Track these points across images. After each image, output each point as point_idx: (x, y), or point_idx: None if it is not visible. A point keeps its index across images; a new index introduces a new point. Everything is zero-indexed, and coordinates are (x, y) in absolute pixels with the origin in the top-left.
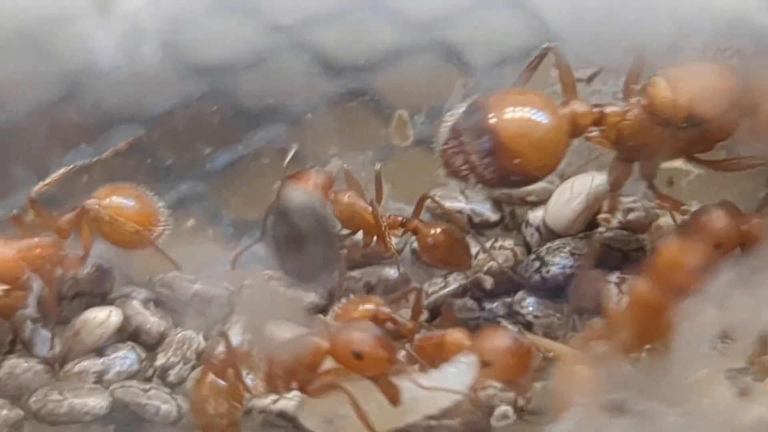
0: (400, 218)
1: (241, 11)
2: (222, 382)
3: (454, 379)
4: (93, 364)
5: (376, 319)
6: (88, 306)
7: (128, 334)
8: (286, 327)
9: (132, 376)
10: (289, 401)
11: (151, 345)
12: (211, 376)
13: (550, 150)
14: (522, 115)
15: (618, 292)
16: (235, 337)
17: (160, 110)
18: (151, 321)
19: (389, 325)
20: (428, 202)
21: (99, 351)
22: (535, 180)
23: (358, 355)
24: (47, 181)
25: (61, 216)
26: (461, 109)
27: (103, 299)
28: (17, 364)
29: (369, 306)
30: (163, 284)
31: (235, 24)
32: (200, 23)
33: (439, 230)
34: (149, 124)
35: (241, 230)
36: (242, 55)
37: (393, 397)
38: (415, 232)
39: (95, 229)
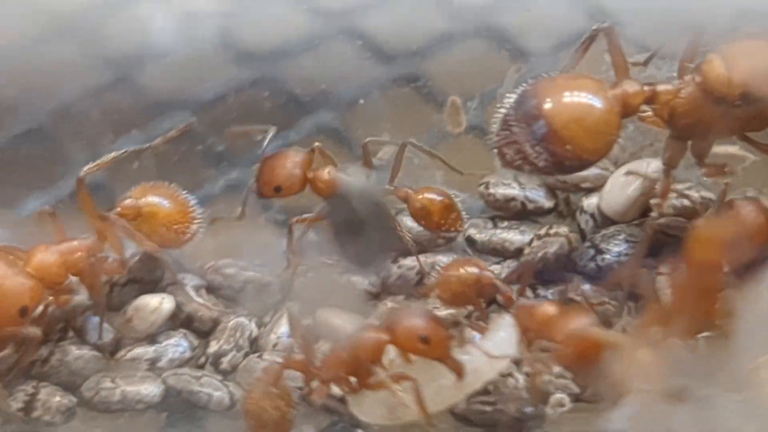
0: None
1: None
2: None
3: (506, 343)
4: (145, 351)
5: (479, 282)
6: (139, 293)
7: (180, 321)
8: (340, 314)
9: (184, 363)
10: None
11: (204, 332)
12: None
13: (603, 133)
14: (572, 99)
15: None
16: (284, 327)
17: (212, 96)
18: (202, 308)
19: (489, 289)
20: (481, 188)
21: (151, 338)
22: (590, 164)
23: (425, 340)
24: (96, 162)
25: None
26: (512, 98)
27: (154, 286)
28: (69, 351)
29: (473, 269)
30: (215, 271)
31: (288, 9)
32: (254, 8)
33: (426, 195)
34: (201, 109)
35: (292, 217)
36: (295, 40)
37: (459, 371)
38: (404, 199)
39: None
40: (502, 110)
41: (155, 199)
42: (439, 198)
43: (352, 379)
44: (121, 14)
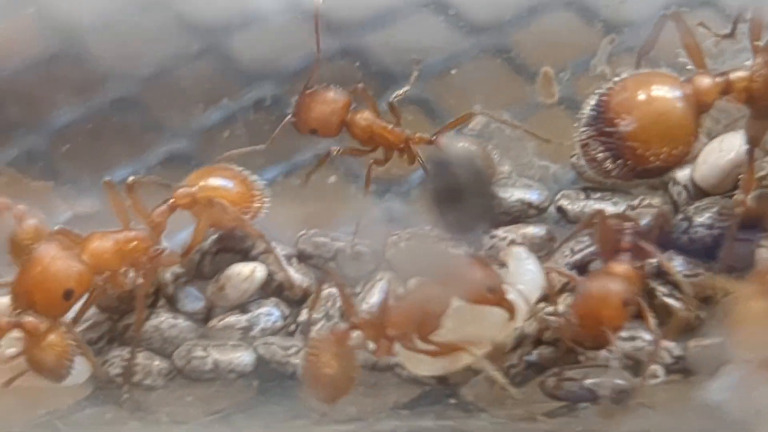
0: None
1: None
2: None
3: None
4: (238, 320)
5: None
6: (231, 262)
7: (271, 290)
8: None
9: (276, 332)
10: None
11: (295, 301)
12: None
13: (682, 135)
14: (647, 108)
15: None
16: (378, 294)
17: (302, 65)
18: (295, 277)
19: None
20: (573, 159)
21: (243, 307)
22: (673, 167)
23: (492, 289)
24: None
25: (154, 209)
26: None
27: (245, 255)
28: (163, 319)
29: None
30: (306, 241)
31: None
32: None
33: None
34: (291, 79)
35: (382, 186)
36: (386, 10)
37: (512, 310)
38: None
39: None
40: (583, 118)
41: (215, 182)
42: None
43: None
44: None
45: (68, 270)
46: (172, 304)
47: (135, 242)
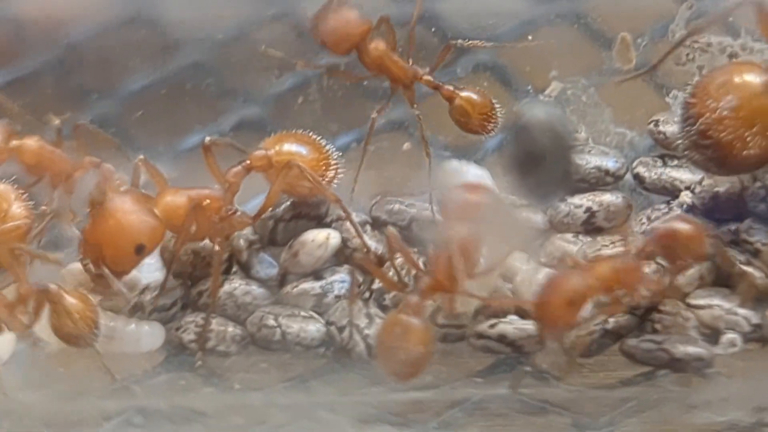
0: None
1: None
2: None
3: None
4: (311, 287)
5: None
6: (304, 228)
7: (345, 257)
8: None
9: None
10: (508, 325)
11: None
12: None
13: None
14: (737, 102)
15: None
16: None
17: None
18: (370, 244)
19: None
20: (651, 126)
21: (316, 274)
22: None
23: None
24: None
25: (229, 170)
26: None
27: (319, 222)
28: (237, 285)
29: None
30: (379, 208)
31: None
32: None
33: (468, 93)
34: None
35: (456, 154)
36: None
37: None
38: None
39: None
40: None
41: (291, 148)
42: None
43: None
44: None
45: (141, 224)
46: (246, 271)
47: (208, 200)
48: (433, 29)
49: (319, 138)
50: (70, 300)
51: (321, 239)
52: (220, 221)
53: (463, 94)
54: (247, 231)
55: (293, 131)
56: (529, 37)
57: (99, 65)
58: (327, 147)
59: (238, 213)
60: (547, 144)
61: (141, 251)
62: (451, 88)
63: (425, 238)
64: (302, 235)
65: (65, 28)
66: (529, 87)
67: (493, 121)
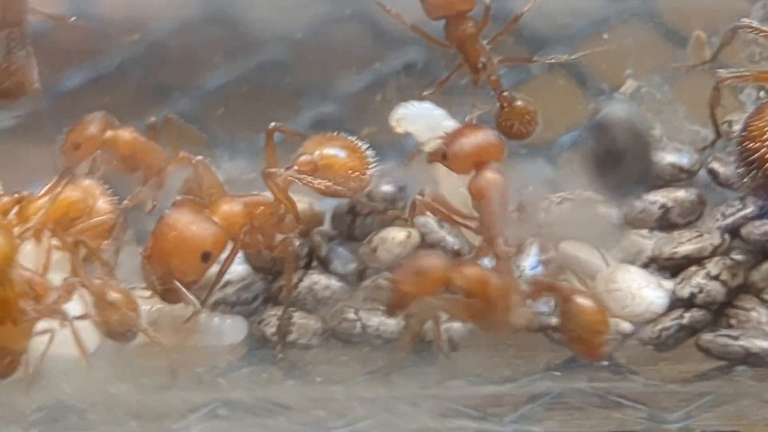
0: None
1: None
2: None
3: None
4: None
5: None
6: (381, 224)
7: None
8: (583, 247)
9: None
10: None
11: None
12: None
13: None
14: None
15: None
16: (532, 257)
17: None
18: (449, 240)
19: None
20: (725, 126)
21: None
22: None
23: None
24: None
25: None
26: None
27: (395, 218)
28: (318, 280)
29: None
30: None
31: None
32: None
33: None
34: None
35: (533, 150)
36: None
37: None
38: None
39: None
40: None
41: (331, 151)
42: None
43: None
44: None
45: (204, 231)
46: (325, 266)
47: (262, 207)
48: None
49: (354, 139)
50: (114, 295)
51: (401, 237)
52: (272, 227)
53: (517, 104)
54: (326, 226)
55: (328, 134)
56: (605, 36)
57: (180, 63)
58: (363, 148)
59: (287, 218)
60: (627, 142)
61: (207, 258)
62: (508, 95)
63: None
64: (383, 231)
65: (147, 26)
66: (605, 85)
67: (530, 131)
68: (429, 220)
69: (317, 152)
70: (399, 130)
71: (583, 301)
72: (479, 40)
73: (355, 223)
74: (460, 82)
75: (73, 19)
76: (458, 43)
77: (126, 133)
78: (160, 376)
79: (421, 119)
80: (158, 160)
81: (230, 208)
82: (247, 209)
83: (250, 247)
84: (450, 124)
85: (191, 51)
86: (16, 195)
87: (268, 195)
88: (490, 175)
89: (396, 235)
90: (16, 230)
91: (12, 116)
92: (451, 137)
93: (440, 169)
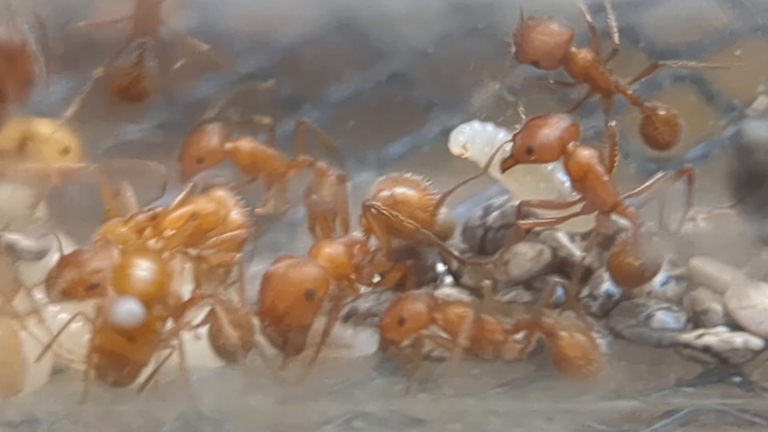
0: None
1: None
2: None
3: None
4: (521, 295)
5: None
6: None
7: (553, 267)
8: (716, 263)
9: (557, 306)
10: (713, 337)
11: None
12: None
13: None
14: None
15: None
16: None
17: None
18: (577, 254)
19: None
20: None
21: (527, 283)
22: None
23: None
24: None
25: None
26: None
27: (527, 232)
28: (449, 293)
29: None
30: None
31: None
32: None
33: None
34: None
35: (659, 165)
36: None
37: None
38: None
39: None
40: None
41: (403, 189)
42: None
43: None
44: None
45: (304, 272)
46: (456, 279)
47: (358, 245)
48: (636, 42)
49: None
50: (238, 313)
51: (533, 254)
52: (367, 266)
53: (661, 113)
54: (457, 240)
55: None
56: (737, 52)
57: (311, 74)
58: (427, 186)
59: (378, 255)
60: None
61: (312, 297)
62: (650, 105)
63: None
64: (515, 247)
65: (276, 38)
66: (735, 101)
67: (678, 139)
68: (560, 235)
69: (393, 190)
70: (466, 155)
71: (566, 335)
72: (601, 65)
73: (486, 236)
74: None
75: (205, 48)
76: (583, 76)
77: (245, 143)
78: (295, 387)
79: (479, 139)
80: (279, 166)
81: (333, 250)
82: (348, 251)
83: (352, 292)
84: (504, 136)
85: (322, 62)
86: (150, 211)
87: (359, 236)
88: (585, 151)
89: (528, 250)
90: (153, 243)
91: (139, 129)
92: (528, 132)
93: (511, 176)
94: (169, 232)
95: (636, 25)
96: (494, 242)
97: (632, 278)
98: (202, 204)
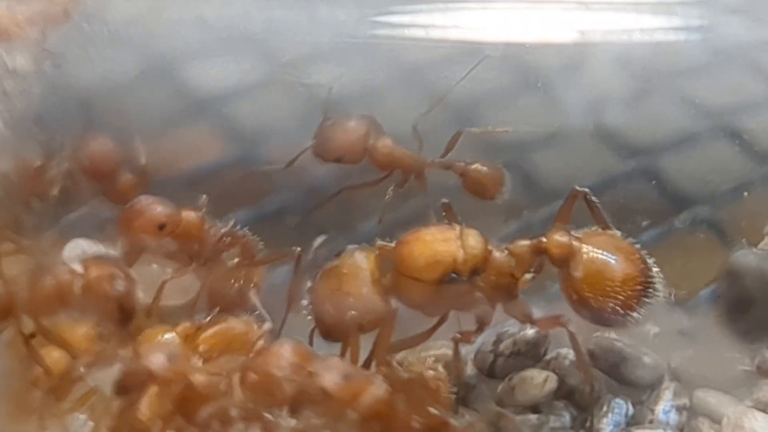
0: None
1: (671, 92)
2: None
3: None
4: (527, 418)
5: None
6: (522, 366)
7: (562, 393)
8: (718, 394)
9: None
10: None
11: (584, 406)
12: None
13: None
14: None
15: None
16: (663, 403)
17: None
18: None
19: None
20: None
21: (534, 407)
22: None
23: None
24: None
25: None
26: None
27: (537, 359)
28: (462, 412)
29: None
30: (598, 342)
31: (666, 106)
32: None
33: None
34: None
35: (680, 304)
36: (684, 136)
37: None
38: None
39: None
40: None
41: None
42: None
43: None
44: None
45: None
46: (466, 403)
47: None
48: (653, 182)
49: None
50: None
51: (539, 381)
52: None
53: (473, 166)
54: (468, 366)
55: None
56: (745, 194)
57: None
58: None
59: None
60: (757, 289)
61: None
62: (462, 163)
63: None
64: (522, 372)
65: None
66: (743, 240)
67: (503, 188)
68: (567, 363)
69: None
70: None
71: None
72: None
73: (496, 362)
74: None
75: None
76: (388, 164)
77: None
78: None
79: None
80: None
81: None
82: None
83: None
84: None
85: None
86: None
87: None
88: None
89: (534, 376)
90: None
91: None
92: None
93: None
94: (203, 347)
95: (655, 169)
96: (504, 368)
97: None
98: (234, 324)
